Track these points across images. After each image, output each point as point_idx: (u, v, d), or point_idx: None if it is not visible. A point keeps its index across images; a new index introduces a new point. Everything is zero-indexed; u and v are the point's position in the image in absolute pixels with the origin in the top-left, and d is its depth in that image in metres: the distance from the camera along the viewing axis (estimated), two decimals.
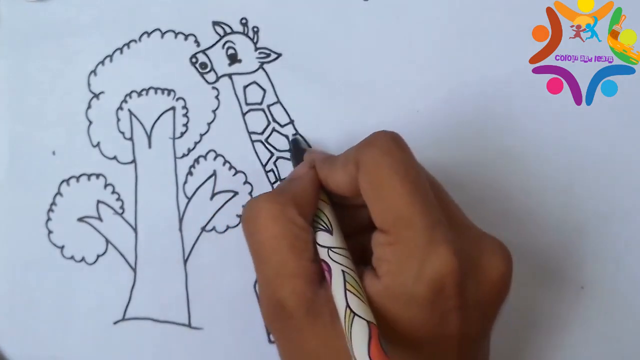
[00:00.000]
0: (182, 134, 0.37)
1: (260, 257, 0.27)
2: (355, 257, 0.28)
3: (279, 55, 0.37)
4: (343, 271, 0.26)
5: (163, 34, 0.38)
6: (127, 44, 0.38)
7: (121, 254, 0.37)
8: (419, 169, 0.27)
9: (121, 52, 0.38)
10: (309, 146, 0.37)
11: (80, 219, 0.37)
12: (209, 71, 0.37)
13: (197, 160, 0.37)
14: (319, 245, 0.28)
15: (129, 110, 0.37)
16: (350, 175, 0.27)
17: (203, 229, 0.37)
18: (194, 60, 0.37)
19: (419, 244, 0.25)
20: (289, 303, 0.26)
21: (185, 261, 0.36)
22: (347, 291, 0.25)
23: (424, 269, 0.24)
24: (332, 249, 0.27)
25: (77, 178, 0.37)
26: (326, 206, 0.29)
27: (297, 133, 0.37)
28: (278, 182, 0.37)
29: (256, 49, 0.37)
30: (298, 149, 0.35)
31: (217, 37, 0.37)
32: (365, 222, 0.28)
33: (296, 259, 0.27)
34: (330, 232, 0.28)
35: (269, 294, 0.27)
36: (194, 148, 0.37)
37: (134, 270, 0.37)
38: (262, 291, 0.28)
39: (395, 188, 0.25)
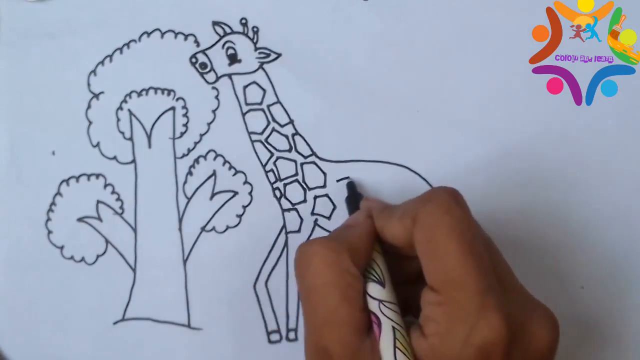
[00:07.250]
0: (182, 134, 0.37)
1: (309, 302, 0.27)
2: (401, 306, 0.28)
3: (279, 55, 0.37)
4: (393, 327, 0.26)
5: (163, 34, 0.38)
6: (127, 44, 0.38)
7: (121, 254, 0.37)
8: (475, 230, 0.27)
9: (121, 52, 0.38)
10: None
11: (80, 219, 0.37)
12: (209, 71, 0.37)
13: (197, 160, 0.37)
14: (370, 296, 0.28)
15: (129, 110, 0.37)
16: (406, 229, 0.27)
17: (203, 229, 0.37)
18: (193, 60, 0.37)
19: (470, 308, 0.25)
20: (335, 351, 0.26)
21: (185, 261, 0.36)
22: (396, 349, 0.25)
23: (473, 334, 0.24)
24: (384, 303, 0.27)
25: (77, 178, 0.37)
26: (380, 257, 0.29)
27: (352, 180, 0.36)
28: (277, 182, 0.37)
29: (256, 49, 0.37)
30: (354, 194, 0.35)
31: (217, 37, 0.37)
32: (415, 274, 0.28)
33: (347, 308, 0.26)
34: (383, 285, 0.28)
35: (315, 340, 0.27)
36: (193, 148, 0.37)
37: (134, 270, 0.37)
38: (308, 336, 0.28)
39: (450, 249, 0.25)
